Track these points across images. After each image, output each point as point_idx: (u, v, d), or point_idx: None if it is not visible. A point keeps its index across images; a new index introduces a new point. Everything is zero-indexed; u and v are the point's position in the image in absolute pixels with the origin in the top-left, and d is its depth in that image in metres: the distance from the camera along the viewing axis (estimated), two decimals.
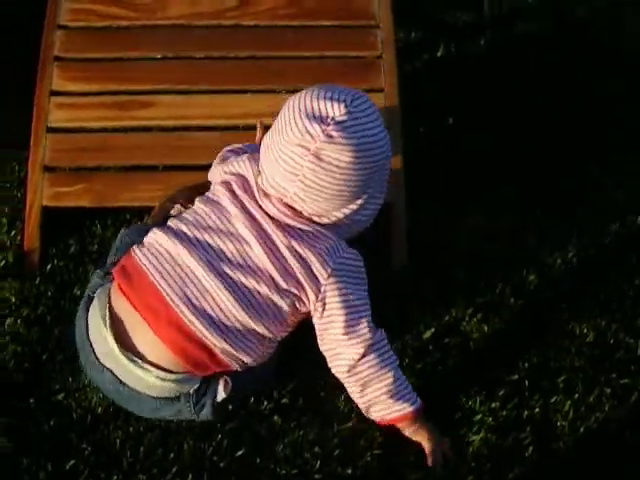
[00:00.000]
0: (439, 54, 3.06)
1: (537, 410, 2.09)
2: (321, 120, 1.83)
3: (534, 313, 2.29)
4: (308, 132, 1.83)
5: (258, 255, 1.89)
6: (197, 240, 1.92)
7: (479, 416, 2.06)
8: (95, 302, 1.98)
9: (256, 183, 1.96)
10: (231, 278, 1.88)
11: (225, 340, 1.88)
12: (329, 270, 1.90)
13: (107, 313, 1.93)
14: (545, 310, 2.30)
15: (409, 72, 2.88)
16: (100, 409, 2.04)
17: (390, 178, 2.12)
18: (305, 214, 1.92)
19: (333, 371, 1.97)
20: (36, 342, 2.17)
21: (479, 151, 2.70)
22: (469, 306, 2.27)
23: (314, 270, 1.90)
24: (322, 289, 1.90)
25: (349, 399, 2.05)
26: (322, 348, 1.97)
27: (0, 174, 2.57)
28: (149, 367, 1.89)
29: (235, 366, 1.92)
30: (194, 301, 1.88)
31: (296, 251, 1.89)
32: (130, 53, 2.48)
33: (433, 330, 2.21)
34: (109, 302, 1.95)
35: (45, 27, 2.50)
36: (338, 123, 1.83)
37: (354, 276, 1.94)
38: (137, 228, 2.20)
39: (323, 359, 2.02)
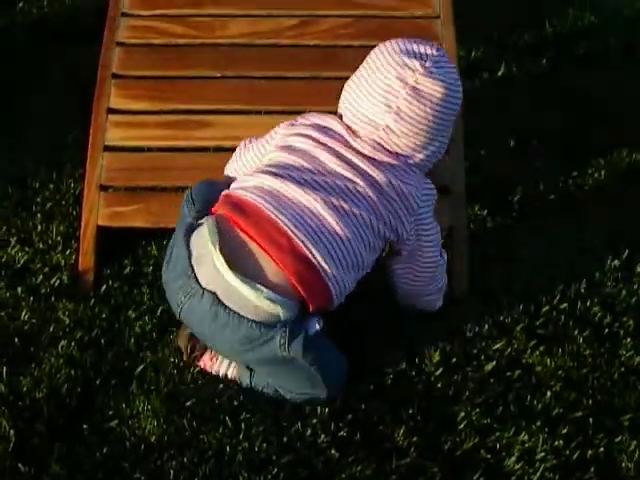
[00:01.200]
0: (500, 74, 3.00)
1: (601, 450, 2.03)
2: (419, 56, 2.01)
3: (597, 347, 2.22)
4: (407, 66, 2.00)
5: (360, 189, 1.99)
6: (302, 179, 1.99)
7: (541, 454, 2.00)
8: (203, 228, 1.99)
9: (346, 127, 2.04)
10: (342, 209, 1.97)
11: (338, 268, 1.96)
12: (419, 201, 2.04)
13: (217, 237, 1.94)
14: (609, 344, 2.23)
15: (469, 91, 2.81)
16: (154, 438, 2.00)
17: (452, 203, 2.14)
18: (393, 151, 2.03)
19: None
20: (90, 366, 2.14)
21: (540, 175, 2.65)
22: (531, 338, 2.21)
23: (410, 201, 2.03)
24: (415, 218, 2.05)
25: (408, 433, 2.01)
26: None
27: (56, 191, 2.55)
28: (261, 287, 1.90)
29: (335, 293, 1.97)
30: (313, 235, 1.94)
31: (392, 184, 2.01)
32: (189, 72, 2.45)
33: (494, 363, 2.16)
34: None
35: (103, 44, 2.48)
36: (435, 61, 2.02)
37: (433, 201, 2.10)
38: (207, 183, 2.16)
39: (382, 389, 1.99)
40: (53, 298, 2.28)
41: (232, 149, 2.34)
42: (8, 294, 2.30)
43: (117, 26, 2.50)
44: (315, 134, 2.05)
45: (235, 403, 2.06)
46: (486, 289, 2.32)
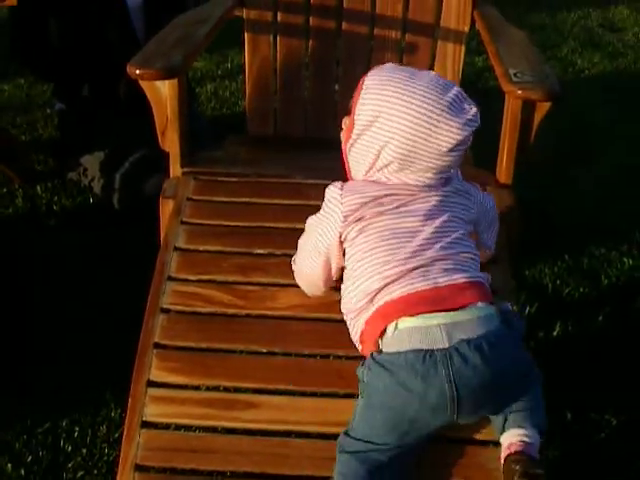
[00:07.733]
0: (555, 334, 2.89)
1: None
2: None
3: None
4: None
5: (445, 219, 2.14)
6: (407, 251, 2.10)
7: None
8: (399, 333, 2.05)
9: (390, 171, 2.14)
10: (448, 244, 2.11)
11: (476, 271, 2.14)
12: (475, 194, 2.26)
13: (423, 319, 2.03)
14: None
15: None
16: None
17: None
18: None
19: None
20: None
21: None
22: None
23: (467, 192, 2.23)
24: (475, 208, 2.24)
25: None
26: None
27: (89, 457, 2.45)
28: (476, 304, 2.05)
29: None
30: (454, 269, 2.08)
31: (452, 191, 2.18)
32: (234, 345, 2.32)
33: None
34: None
35: (147, 309, 2.37)
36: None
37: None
38: None
39: None
40: None
41: (278, 433, 2.22)
42: None
43: (162, 290, 2.40)
44: (375, 210, 2.14)
45: None
46: None
